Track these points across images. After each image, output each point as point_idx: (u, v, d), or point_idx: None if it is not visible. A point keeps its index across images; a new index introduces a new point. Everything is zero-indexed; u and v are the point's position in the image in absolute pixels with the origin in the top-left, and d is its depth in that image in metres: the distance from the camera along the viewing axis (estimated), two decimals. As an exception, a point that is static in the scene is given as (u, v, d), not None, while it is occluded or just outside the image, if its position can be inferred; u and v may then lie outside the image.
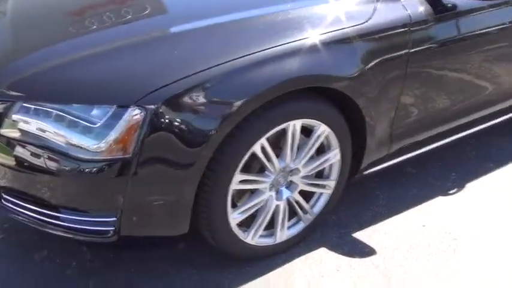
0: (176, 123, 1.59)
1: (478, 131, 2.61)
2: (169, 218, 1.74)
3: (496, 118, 2.63)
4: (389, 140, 2.19)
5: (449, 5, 2.04)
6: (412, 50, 1.98)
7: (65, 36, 1.93)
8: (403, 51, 1.96)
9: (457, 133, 2.50)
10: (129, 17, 1.99)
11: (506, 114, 2.69)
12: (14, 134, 1.65)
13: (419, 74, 2.06)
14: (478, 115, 2.52)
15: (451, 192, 2.52)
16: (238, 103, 1.62)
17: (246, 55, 1.68)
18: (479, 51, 2.27)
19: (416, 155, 2.40)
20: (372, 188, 2.52)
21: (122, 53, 1.71)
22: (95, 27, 1.94)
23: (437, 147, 2.47)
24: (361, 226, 2.28)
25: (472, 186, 2.57)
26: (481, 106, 2.52)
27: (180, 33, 1.82)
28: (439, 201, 2.46)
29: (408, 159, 2.38)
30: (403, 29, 1.96)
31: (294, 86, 1.75)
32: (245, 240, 1.95)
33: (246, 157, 1.76)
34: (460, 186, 2.57)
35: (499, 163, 2.77)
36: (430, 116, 2.28)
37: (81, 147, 1.58)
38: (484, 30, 2.23)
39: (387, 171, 2.35)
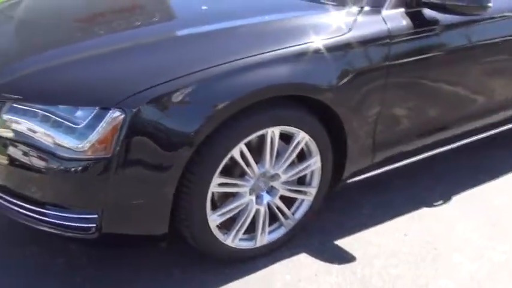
0: (156, 126, 1.67)
1: (470, 142, 2.65)
2: (149, 218, 1.81)
3: (482, 133, 2.66)
4: (373, 150, 2.24)
5: (429, 19, 2.10)
6: (392, 63, 2.05)
7: (56, 42, 2.05)
8: (382, 64, 2.03)
9: (444, 145, 2.54)
10: (115, 25, 2.10)
11: (492, 129, 2.72)
12: (5, 133, 1.75)
13: (399, 86, 2.12)
14: (462, 129, 2.55)
15: (436, 203, 2.56)
16: (217, 107, 1.71)
17: (227, 62, 1.76)
18: (459, 65, 2.32)
19: (404, 165, 2.45)
20: (357, 196, 2.57)
21: (106, 58, 1.81)
22: (82, 35, 2.05)
23: (425, 158, 2.51)
24: (344, 234, 2.33)
25: (458, 198, 2.60)
26: (462, 120, 2.56)
27: (162, 40, 1.92)
28: (424, 212, 2.49)
29: (397, 169, 2.42)
30: (382, 42, 2.02)
31: (273, 93, 1.83)
32: (225, 243, 2.01)
33: (224, 161, 1.83)
34: (447, 197, 2.60)
35: (490, 175, 2.80)
36: (414, 127, 2.33)
37: (65, 147, 1.66)
38: (463, 45, 2.29)
39: (375, 180, 2.40)
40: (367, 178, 2.34)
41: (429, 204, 2.55)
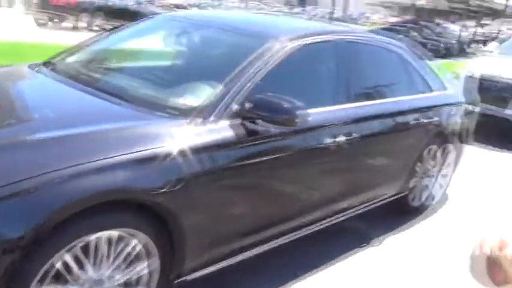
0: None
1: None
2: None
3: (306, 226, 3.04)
4: (208, 248, 2.43)
5: (256, 129, 2.46)
6: (227, 166, 2.35)
7: None
8: (215, 168, 2.30)
9: (278, 238, 2.83)
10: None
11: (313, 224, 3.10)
12: None
13: (231, 188, 2.41)
14: (292, 224, 2.90)
15: None
16: (43, 214, 1.80)
17: (61, 168, 1.88)
18: (283, 169, 2.70)
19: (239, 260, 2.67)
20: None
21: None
22: None
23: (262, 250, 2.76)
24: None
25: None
26: (293, 216, 2.91)
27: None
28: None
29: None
30: (216, 149, 2.32)
31: (105, 198, 1.96)
32: None
33: (43, 270, 1.86)
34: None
35: (309, 272, 3.09)
36: (244, 225, 2.61)
37: None
38: (285, 152, 2.68)
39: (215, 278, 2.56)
40: (204, 275, 2.50)
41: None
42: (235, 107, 2.46)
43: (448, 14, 39.04)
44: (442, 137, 4.01)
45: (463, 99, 4.38)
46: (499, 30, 31.26)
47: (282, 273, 2.97)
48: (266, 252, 2.79)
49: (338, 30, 3.67)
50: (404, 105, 3.62)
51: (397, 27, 22.72)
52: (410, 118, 3.62)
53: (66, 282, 1.96)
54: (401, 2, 43.65)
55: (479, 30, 31.84)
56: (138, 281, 2.23)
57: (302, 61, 2.95)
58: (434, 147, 3.96)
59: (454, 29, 28.29)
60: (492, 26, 34.80)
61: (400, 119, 3.56)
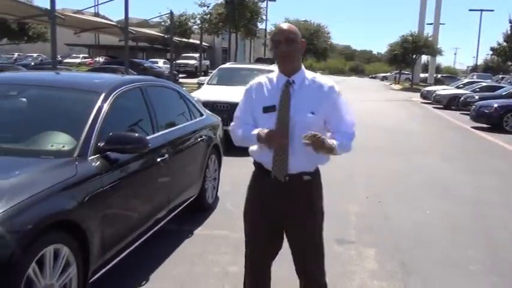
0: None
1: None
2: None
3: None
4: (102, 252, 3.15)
5: (115, 158, 3.30)
6: (103, 189, 3.14)
7: None
8: (97, 190, 3.08)
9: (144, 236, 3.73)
10: None
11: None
12: None
13: (111, 199, 3.23)
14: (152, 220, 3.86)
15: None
16: None
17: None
18: (137, 184, 3.65)
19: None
20: None
21: None
22: None
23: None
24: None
25: None
26: (152, 213, 3.89)
27: None
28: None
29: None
30: (94, 177, 3.10)
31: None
32: None
33: None
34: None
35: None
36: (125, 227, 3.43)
37: None
38: (137, 170, 3.62)
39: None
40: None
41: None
42: (97, 145, 3.26)
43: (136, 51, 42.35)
44: (215, 148, 5.40)
45: (216, 119, 5.87)
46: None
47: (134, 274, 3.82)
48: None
49: (138, 78, 4.67)
50: (193, 127, 4.95)
51: (106, 67, 24.16)
52: (197, 136, 4.95)
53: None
54: (87, 42, 45.11)
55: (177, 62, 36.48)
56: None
57: (123, 105, 3.86)
58: (213, 156, 5.34)
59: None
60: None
61: (193, 137, 4.83)
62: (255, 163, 2.80)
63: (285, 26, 2.68)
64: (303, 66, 2.72)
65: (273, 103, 2.64)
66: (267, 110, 2.64)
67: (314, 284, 2.84)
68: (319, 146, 2.50)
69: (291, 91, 2.64)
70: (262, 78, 2.77)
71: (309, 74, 2.71)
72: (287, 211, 2.71)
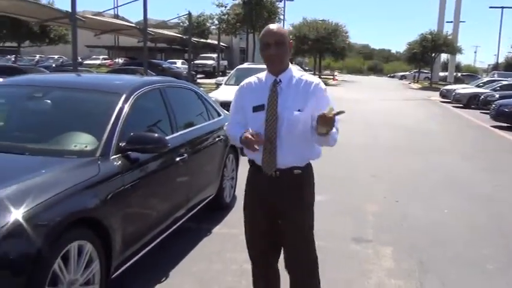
0: None
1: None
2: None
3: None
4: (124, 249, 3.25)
5: (135, 158, 3.40)
6: (126, 187, 3.23)
7: None
8: (119, 189, 3.18)
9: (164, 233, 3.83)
10: None
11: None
12: None
13: (132, 198, 3.32)
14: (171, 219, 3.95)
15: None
16: None
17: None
18: (159, 183, 3.73)
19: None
20: None
21: None
22: None
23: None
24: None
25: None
26: (171, 212, 3.98)
27: None
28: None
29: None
30: (116, 176, 3.20)
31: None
32: None
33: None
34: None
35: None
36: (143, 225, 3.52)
37: None
38: (157, 169, 3.70)
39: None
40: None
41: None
42: (119, 144, 3.36)
43: (155, 52, 42.75)
44: (232, 147, 5.47)
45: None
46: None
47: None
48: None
49: (157, 80, 4.77)
50: (211, 127, 5.02)
51: (126, 68, 24.45)
52: (215, 136, 5.01)
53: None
54: (107, 43, 45.57)
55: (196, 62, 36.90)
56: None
57: (143, 106, 3.96)
58: (230, 155, 5.40)
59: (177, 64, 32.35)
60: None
61: (211, 137, 4.91)
62: (249, 160, 2.90)
63: (274, 27, 2.77)
64: (290, 65, 2.81)
65: (262, 102, 2.73)
66: (256, 109, 2.75)
67: (304, 280, 2.85)
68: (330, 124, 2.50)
69: (279, 90, 2.73)
70: (252, 78, 2.88)
71: (296, 73, 2.80)
72: (277, 204, 2.78)
